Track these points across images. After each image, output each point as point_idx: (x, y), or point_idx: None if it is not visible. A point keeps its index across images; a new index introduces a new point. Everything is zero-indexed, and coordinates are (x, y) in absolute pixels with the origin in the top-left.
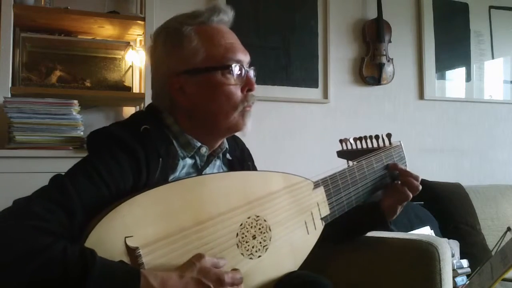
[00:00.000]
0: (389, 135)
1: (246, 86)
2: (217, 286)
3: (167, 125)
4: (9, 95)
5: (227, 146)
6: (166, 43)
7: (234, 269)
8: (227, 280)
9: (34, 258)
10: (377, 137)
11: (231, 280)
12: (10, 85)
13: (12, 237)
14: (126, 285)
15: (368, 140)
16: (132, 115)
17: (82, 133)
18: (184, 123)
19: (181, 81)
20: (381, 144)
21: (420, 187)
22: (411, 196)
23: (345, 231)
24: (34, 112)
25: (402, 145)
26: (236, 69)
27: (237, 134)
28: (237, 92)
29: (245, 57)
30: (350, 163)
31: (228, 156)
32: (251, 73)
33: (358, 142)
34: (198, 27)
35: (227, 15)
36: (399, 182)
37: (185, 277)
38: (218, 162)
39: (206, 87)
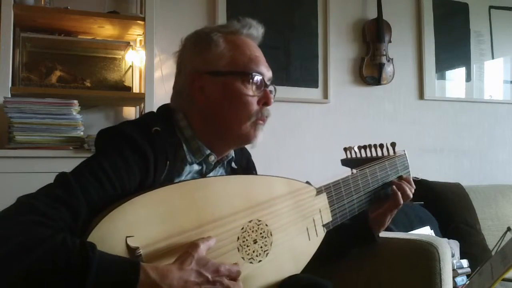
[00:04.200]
0: (393, 144)
1: (263, 99)
2: (214, 277)
3: (180, 127)
4: (9, 95)
5: (233, 155)
6: (195, 45)
7: (235, 264)
8: (223, 272)
9: (33, 249)
10: (381, 146)
11: (228, 272)
12: (10, 85)
13: (12, 231)
14: (125, 277)
15: (373, 149)
16: (143, 116)
17: (82, 133)
18: (197, 126)
19: (202, 80)
20: (385, 153)
21: (411, 196)
22: (401, 203)
23: (331, 249)
24: (34, 112)
25: (407, 154)
26: (256, 79)
27: (247, 146)
28: (254, 103)
29: (267, 72)
30: (354, 171)
31: (233, 165)
32: (271, 88)
33: (362, 150)
34: (227, 35)
35: (257, 31)
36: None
37: (184, 269)
38: (221, 170)
39: (225, 90)
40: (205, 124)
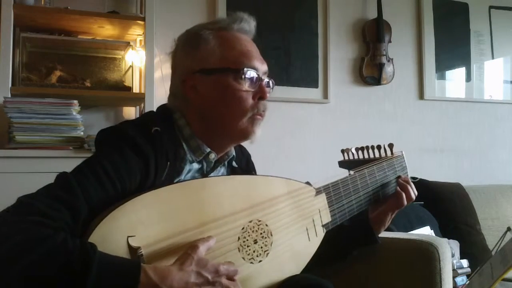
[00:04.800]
0: (391, 145)
1: (258, 93)
2: (214, 277)
3: (179, 127)
4: (9, 95)
5: (234, 154)
6: (186, 45)
7: (228, 262)
8: (223, 272)
9: (34, 248)
10: (379, 147)
11: (226, 272)
12: (10, 85)
13: (12, 231)
14: (126, 279)
15: (370, 150)
16: (143, 116)
17: (82, 133)
18: (195, 125)
19: (195, 79)
20: (383, 154)
21: (414, 199)
22: (405, 204)
23: (333, 251)
24: (34, 112)
25: (404, 155)
26: (248, 74)
27: (245, 142)
28: (248, 98)
29: (261, 66)
30: (351, 172)
31: (234, 164)
32: (265, 82)
33: (360, 152)
34: (217, 32)
35: (248, 25)
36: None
37: (184, 270)
38: (222, 169)
39: (217, 88)
40: (203, 123)
